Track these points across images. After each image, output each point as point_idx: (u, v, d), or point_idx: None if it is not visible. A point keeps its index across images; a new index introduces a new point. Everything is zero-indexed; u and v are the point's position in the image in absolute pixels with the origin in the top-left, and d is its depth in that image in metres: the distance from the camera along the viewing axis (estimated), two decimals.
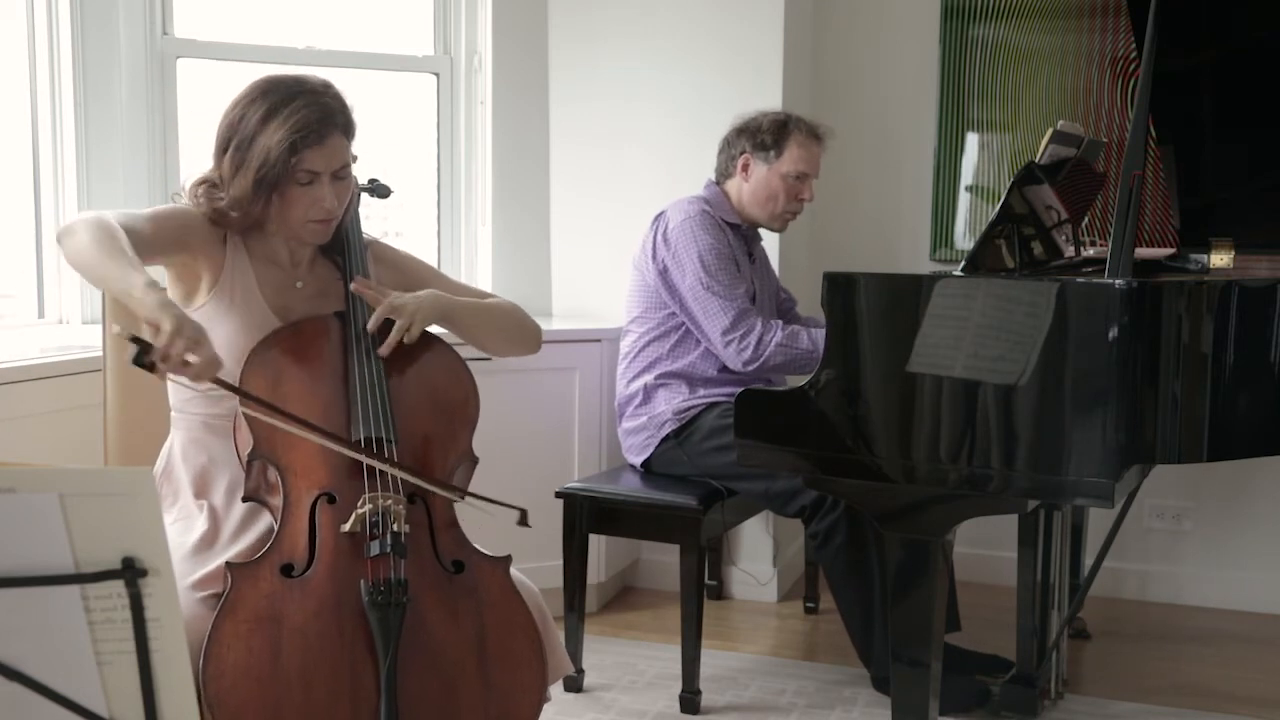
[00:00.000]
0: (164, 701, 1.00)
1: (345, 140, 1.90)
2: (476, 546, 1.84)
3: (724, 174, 3.08)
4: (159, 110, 3.18)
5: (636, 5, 3.54)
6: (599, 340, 3.34)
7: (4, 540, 0.94)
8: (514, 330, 2.14)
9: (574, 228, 3.69)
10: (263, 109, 1.84)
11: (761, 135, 3.01)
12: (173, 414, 1.97)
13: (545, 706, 1.83)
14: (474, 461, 1.94)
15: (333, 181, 1.88)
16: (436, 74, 3.64)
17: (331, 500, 1.76)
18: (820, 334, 2.85)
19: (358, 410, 1.81)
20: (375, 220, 3.74)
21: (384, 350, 1.89)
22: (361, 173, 2.24)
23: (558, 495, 2.90)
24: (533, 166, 3.68)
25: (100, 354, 2.17)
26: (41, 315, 3.06)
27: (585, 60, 3.62)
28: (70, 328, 3.05)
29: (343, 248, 2.03)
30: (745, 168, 3.02)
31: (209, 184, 1.91)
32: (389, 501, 1.73)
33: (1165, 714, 2.77)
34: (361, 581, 1.68)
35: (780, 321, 2.92)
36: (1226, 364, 2.00)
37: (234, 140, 1.86)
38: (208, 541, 1.83)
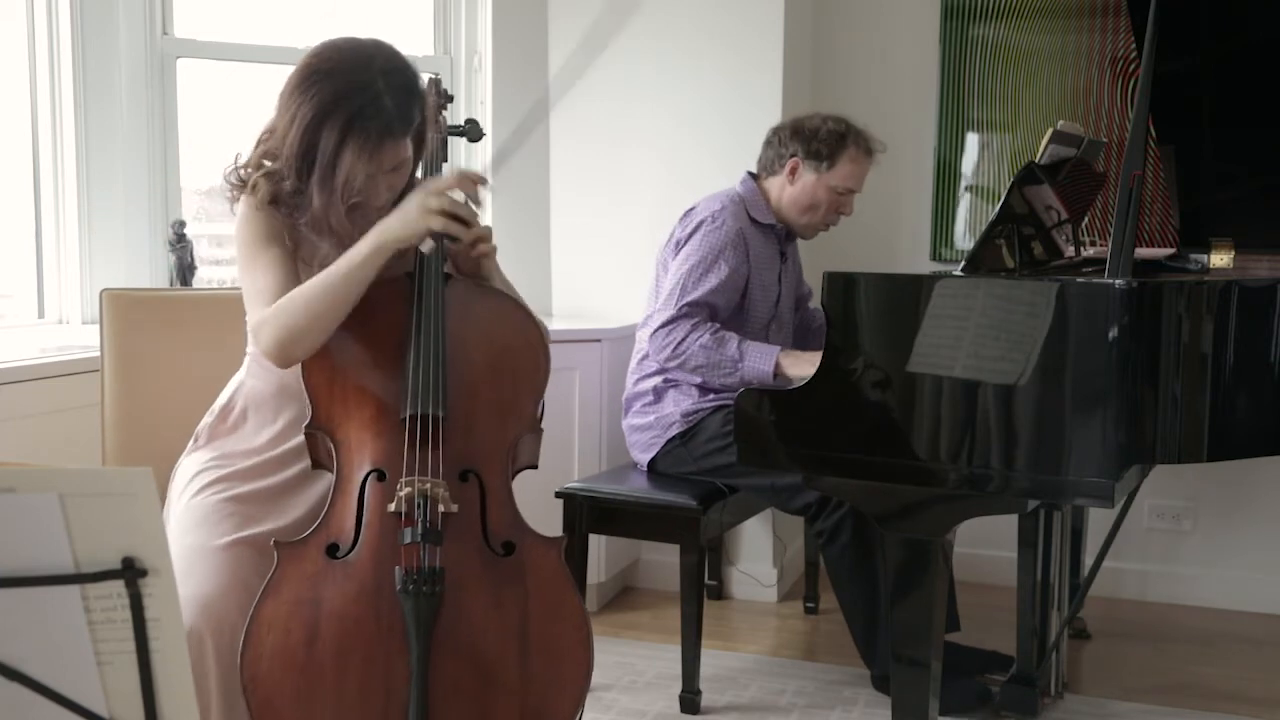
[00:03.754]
0: (164, 701, 0.99)
1: (405, 140, 1.86)
2: (531, 527, 1.78)
3: (767, 169, 3.02)
4: (159, 110, 3.19)
5: (636, 5, 3.54)
6: (599, 340, 3.34)
7: (4, 540, 0.94)
8: None
9: (574, 228, 3.69)
10: (338, 127, 1.79)
11: (817, 144, 2.94)
12: (249, 360, 1.97)
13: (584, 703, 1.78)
14: (539, 433, 1.89)
15: (388, 174, 1.87)
16: (436, 74, 3.64)
17: (381, 478, 1.72)
18: (753, 348, 2.77)
19: (410, 383, 1.76)
20: None
21: (476, 253, 1.88)
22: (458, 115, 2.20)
23: (558, 495, 2.90)
24: (533, 166, 3.69)
25: (99, 354, 2.17)
26: (41, 315, 3.06)
27: (585, 60, 3.61)
28: (70, 328, 3.05)
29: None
30: (794, 171, 2.96)
31: (277, 179, 1.87)
32: (426, 485, 1.69)
33: (1165, 714, 2.77)
34: (396, 568, 1.64)
35: (718, 325, 2.83)
36: (1226, 364, 2.00)
37: (316, 161, 1.80)
38: (255, 475, 1.84)
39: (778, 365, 2.75)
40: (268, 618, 1.60)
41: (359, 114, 1.79)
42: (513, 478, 1.85)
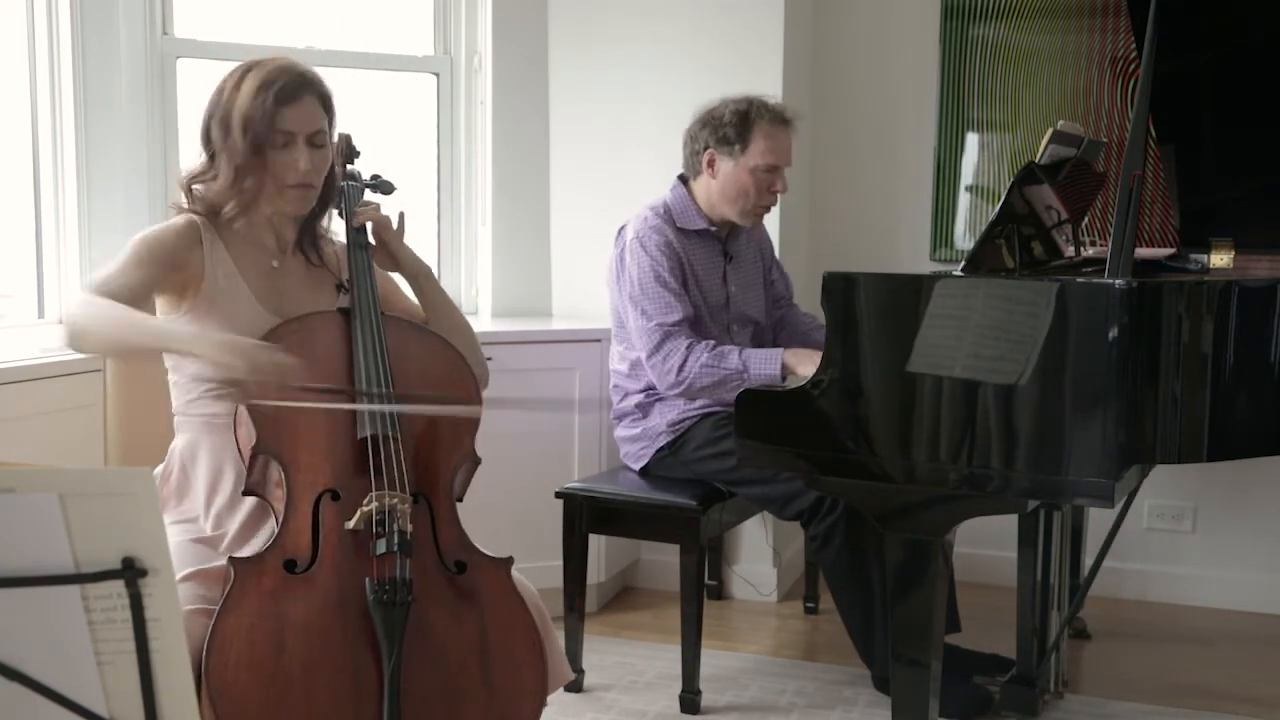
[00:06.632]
0: (164, 701, 1.00)
1: (320, 108, 1.92)
2: (478, 547, 1.84)
3: (691, 170, 2.95)
4: (159, 110, 3.18)
5: (636, 5, 3.55)
6: (599, 340, 3.34)
7: (4, 540, 0.94)
8: (467, 343, 2.08)
9: (574, 228, 3.69)
10: (236, 78, 1.89)
11: (724, 129, 2.83)
12: (176, 418, 1.96)
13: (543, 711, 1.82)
14: (476, 462, 1.94)
15: (308, 148, 1.90)
16: (436, 74, 3.64)
17: (335, 497, 1.76)
18: (754, 355, 2.72)
19: (364, 408, 1.80)
20: None
21: (357, 220, 2.01)
22: (365, 169, 2.24)
23: (558, 495, 2.90)
24: (533, 166, 3.68)
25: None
26: (41, 315, 3.06)
27: (585, 60, 3.62)
28: None
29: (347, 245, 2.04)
30: (711, 164, 2.87)
31: (200, 175, 1.93)
32: (394, 500, 1.73)
33: (1165, 714, 2.77)
34: (367, 580, 1.67)
35: (711, 342, 2.77)
36: (1226, 364, 2.00)
37: (215, 117, 1.89)
38: (211, 544, 1.82)
39: (784, 366, 2.71)
40: (231, 630, 1.61)
41: (262, 64, 1.90)
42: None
